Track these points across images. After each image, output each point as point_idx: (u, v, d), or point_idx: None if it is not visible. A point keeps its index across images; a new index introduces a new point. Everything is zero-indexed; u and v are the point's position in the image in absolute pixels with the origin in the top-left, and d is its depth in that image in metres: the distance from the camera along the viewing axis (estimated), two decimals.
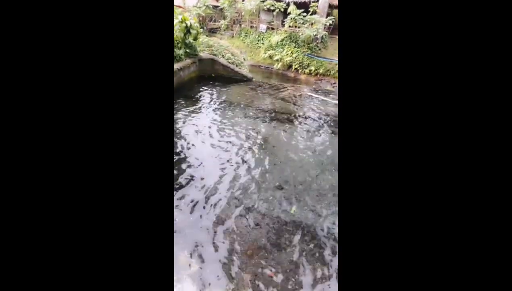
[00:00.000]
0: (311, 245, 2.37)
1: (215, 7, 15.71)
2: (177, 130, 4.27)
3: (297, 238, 2.43)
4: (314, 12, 11.06)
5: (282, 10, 12.33)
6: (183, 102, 5.51)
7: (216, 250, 2.23)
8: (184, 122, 4.59)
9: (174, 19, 6.37)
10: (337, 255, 2.29)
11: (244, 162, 3.58)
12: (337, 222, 2.65)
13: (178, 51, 6.48)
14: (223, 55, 7.80)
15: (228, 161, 3.56)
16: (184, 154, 3.62)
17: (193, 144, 3.90)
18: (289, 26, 11.64)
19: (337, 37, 12.71)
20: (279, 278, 2.05)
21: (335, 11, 13.89)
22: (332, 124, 5.23)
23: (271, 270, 2.10)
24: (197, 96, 6.08)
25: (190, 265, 2.08)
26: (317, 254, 2.28)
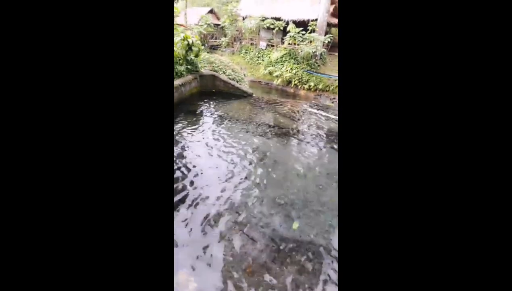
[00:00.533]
0: (313, 263, 2.31)
1: (216, 25, 16.20)
2: (178, 145, 4.28)
3: (298, 255, 2.37)
4: (313, 31, 11.37)
5: (282, 28, 12.69)
6: (184, 117, 5.55)
7: (216, 268, 2.17)
8: (184, 137, 4.61)
9: (177, 37, 6.54)
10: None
11: (244, 176, 3.55)
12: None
13: (180, 68, 6.61)
14: (224, 71, 7.94)
15: (228, 175, 3.54)
16: (184, 168, 3.60)
17: (193, 159, 3.89)
18: (289, 44, 11.94)
19: (335, 54, 13.00)
20: None
21: (334, 30, 14.29)
22: (332, 139, 5.24)
23: (272, 290, 2.03)
24: (198, 111, 6.13)
25: (189, 283, 2.02)
26: (319, 272, 2.22)
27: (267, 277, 2.13)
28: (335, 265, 2.29)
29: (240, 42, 15.12)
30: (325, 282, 2.14)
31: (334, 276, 2.19)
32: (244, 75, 9.16)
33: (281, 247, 2.43)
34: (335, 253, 2.41)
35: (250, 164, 3.91)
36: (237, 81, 7.98)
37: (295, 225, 2.72)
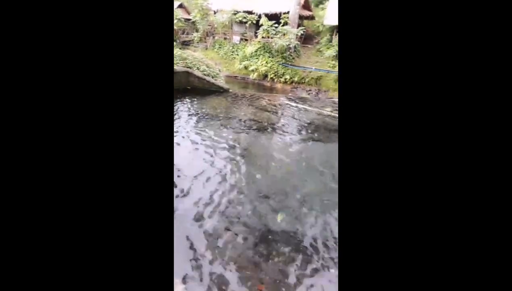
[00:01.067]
0: (300, 253, 2.34)
1: (187, 20, 15.72)
2: None
3: (285, 247, 2.39)
4: (286, 23, 11.39)
5: (254, 22, 12.57)
6: None
7: (201, 267, 2.14)
8: None
9: None
10: (327, 262, 2.28)
11: (226, 173, 3.51)
12: (324, 228, 2.66)
13: None
14: (198, 67, 7.74)
15: (210, 172, 3.48)
16: None
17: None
18: (262, 37, 11.88)
19: (308, 46, 13.19)
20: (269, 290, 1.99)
21: (305, 22, 14.44)
22: (310, 131, 5.32)
23: (261, 283, 2.03)
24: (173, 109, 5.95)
25: (175, 284, 1.96)
26: (306, 262, 2.25)
27: (255, 271, 2.12)
28: (324, 255, 2.34)
29: (213, 37, 14.81)
30: (312, 269, 2.18)
31: (320, 264, 2.23)
32: (219, 70, 9.00)
33: (267, 240, 2.44)
34: (320, 243, 2.46)
35: (231, 159, 3.87)
36: (212, 77, 7.83)
37: (280, 217, 2.73)
